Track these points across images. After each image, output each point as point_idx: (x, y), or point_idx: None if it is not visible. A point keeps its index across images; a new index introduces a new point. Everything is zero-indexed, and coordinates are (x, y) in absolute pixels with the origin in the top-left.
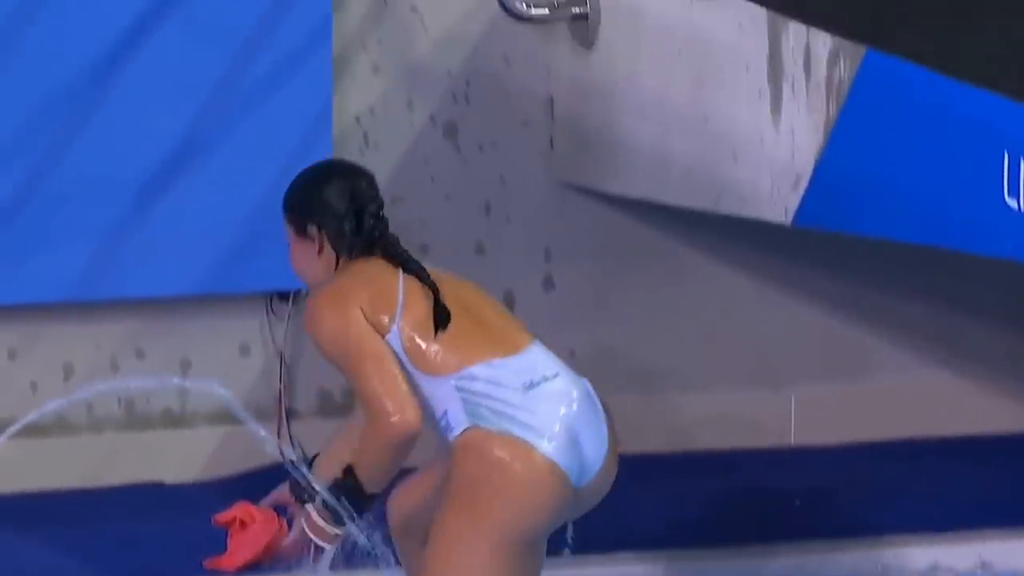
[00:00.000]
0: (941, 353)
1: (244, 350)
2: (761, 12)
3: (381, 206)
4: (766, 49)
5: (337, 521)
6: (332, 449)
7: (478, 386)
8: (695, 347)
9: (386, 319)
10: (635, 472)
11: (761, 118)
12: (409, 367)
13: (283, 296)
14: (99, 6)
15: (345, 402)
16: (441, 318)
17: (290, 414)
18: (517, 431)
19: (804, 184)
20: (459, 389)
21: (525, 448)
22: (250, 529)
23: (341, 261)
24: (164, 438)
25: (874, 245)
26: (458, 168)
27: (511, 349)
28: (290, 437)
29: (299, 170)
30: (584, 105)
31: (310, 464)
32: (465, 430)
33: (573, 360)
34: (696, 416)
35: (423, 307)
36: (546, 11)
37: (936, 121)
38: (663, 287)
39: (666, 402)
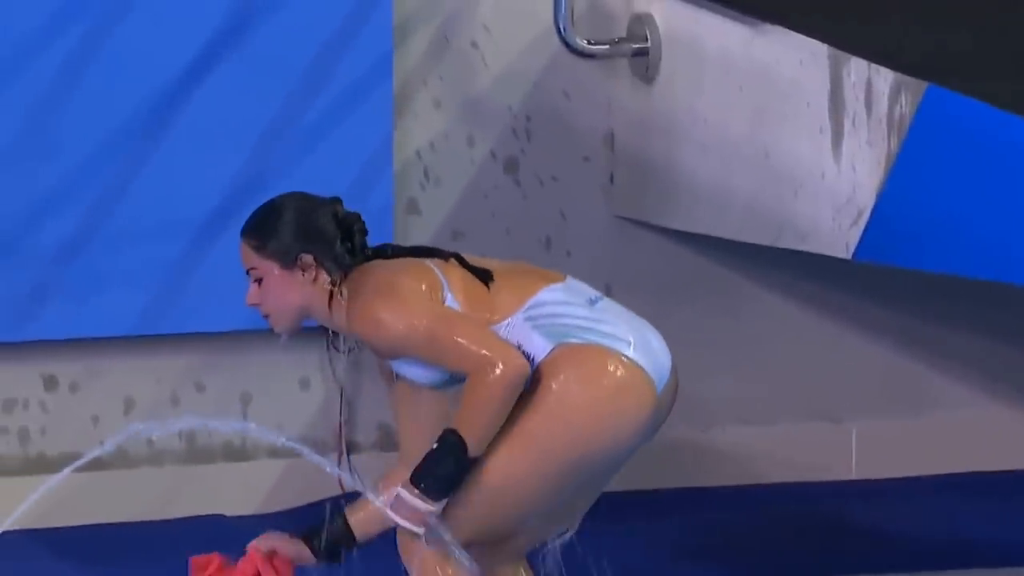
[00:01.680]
0: (1002, 387)
1: (304, 384)
2: (822, 48)
3: (361, 219)
4: (827, 84)
5: (435, 495)
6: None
7: (548, 309)
8: (755, 381)
9: (438, 293)
10: (694, 507)
11: (822, 153)
12: None
13: None
14: (159, 44)
15: (386, 438)
16: (483, 274)
17: (350, 448)
18: (602, 340)
19: (865, 219)
20: (530, 319)
21: (615, 356)
22: None
23: (339, 281)
24: (225, 471)
25: (935, 279)
26: (518, 203)
27: (556, 279)
28: (351, 471)
29: (360, 206)
30: (644, 140)
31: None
32: (552, 350)
33: None
34: (756, 450)
35: (461, 272)
36: (607, 47)
37: (997, 156)
38: (723, 321)
39: (726, 436)
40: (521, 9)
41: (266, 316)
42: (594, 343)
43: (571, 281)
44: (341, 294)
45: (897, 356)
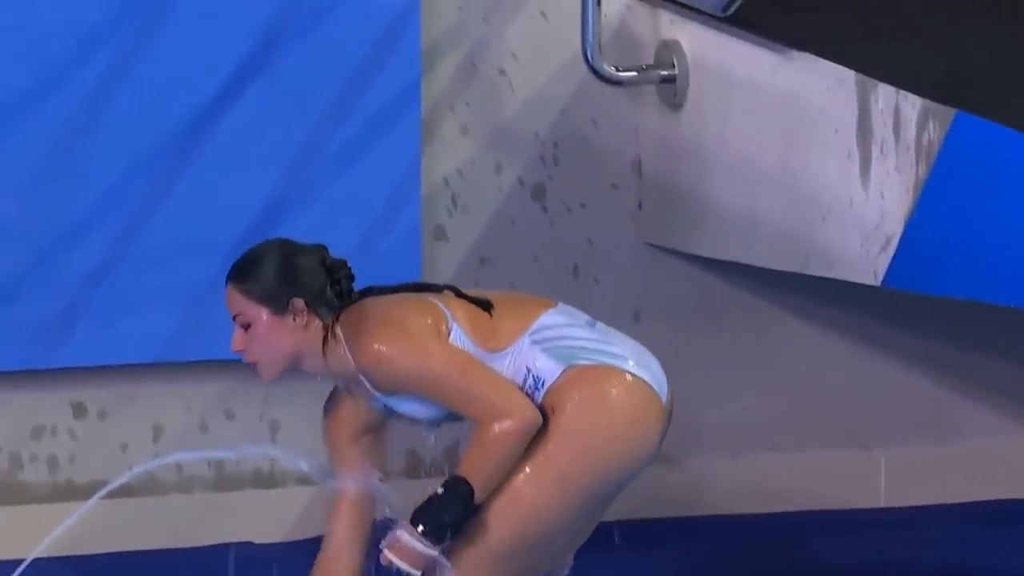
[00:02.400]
0: None
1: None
2: (849, 74)
3: (348, 266)
4: (855, 111)
5: (436, 539)
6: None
7: (553, 332)
8: (783, 408)
9: (442, 325)
10: (723, 534)
11: (850, 180)
12: (481, 353)
13: None
14: (188, 68)
15: (433, 463)
16: (482, 303)
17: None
18: (610, 360)
19: (893, 246)
20: (536, 342)
21: (624, 375)
22: None
23: (331, 324)
24: (253, 498)
25: (964, 306)
26: (546, 230)
27: (551, 304)
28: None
29: (388, 232)
30: (672, 167)
31: None
32: (563, 372)
33: None
34: (785, 477)
35: (460, 303)
36: (634, 74)
37: None
38: (751, 348)
39: (754, 463)
40: (549, 36)
41: (252, 363)
42: (603, 363)
43: (563, 306)
44: (335, 336)
45: (925, 383)
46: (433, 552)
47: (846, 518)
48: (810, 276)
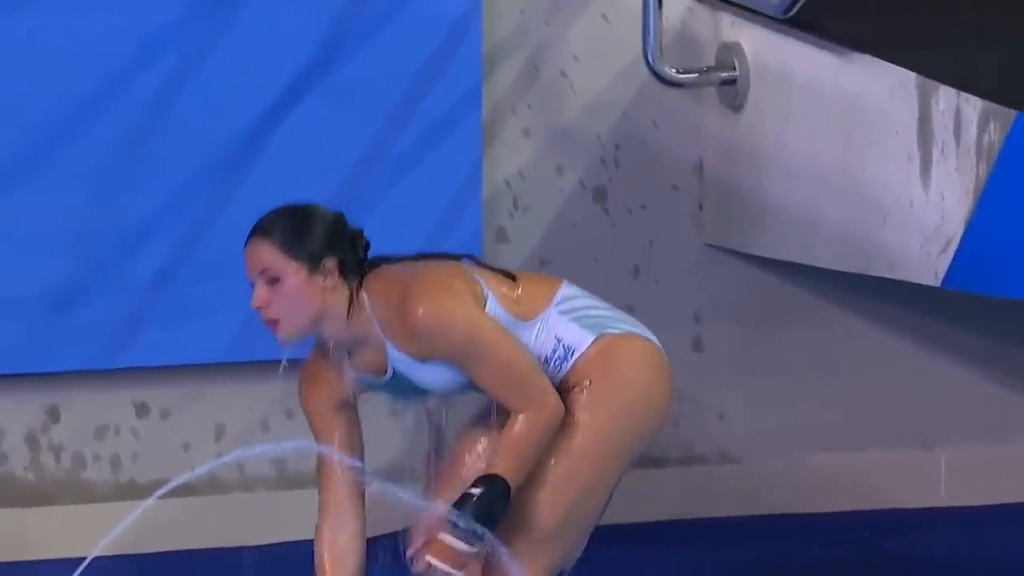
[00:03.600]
0: None
1: (393, 412)
2: (910, 76)
3: (364, 235)
4: (916, 113)
5: (476, 538)
6: None
7: (577, 303)
8: (844, 408)
9: (479, 291)
10: (784, 533)
11: (910, 181)
12: (513, 322)
13: None
14: (251, 74)
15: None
16: (506, 272)
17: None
18: (633, 329)
19: (954, 247)
20: (564, 312)
21: (651, 343)
22: None
23: (356, 288)
24: (315, 497)
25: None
26: (607, 231)
27: (561, 280)
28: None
29: (450, 234)
30: (733, 168)
31: None
32: (595, 340)
33: (722, 422)
34: (846, 476)
35: (488, 271)
36: (695, 76)
37: None
38: (812, 348)
39: (815, 462)
40: (610, 39)
41: (273, 321)
42: (631, 332)
43: (568, 282)
44: (359, 300)
45: (986, 383)
46: (473, 550)
47: (906, 517)
48: (870, 277)
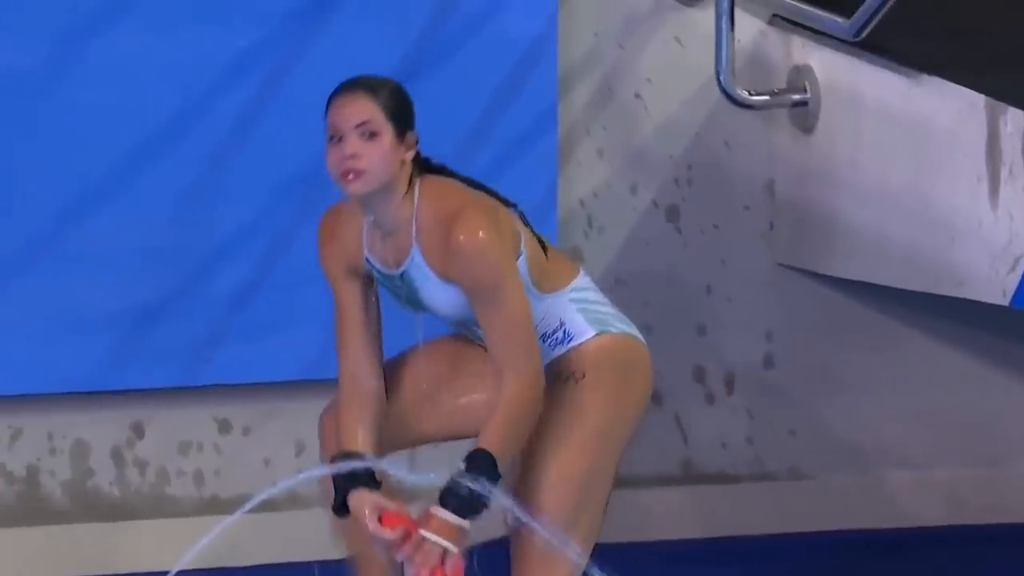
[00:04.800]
0: None
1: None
2: (979, 98)
3: None
4: (984, 134)
5: (467, 514)
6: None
7: (588, 295)
8: (914, 425)
9: (518, 244)
10: (853, 549)
11: (979, 202)
12: (530, 288)
13: None
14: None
15: None
16: (541, 240)
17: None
18: (630, 331)
19: (1022, 266)
20: (574, 300)
21: (643, 347)
22: None
23: (413, 176)
24: None
25: None
26: (680, 250)
27: (579, 268)
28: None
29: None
30: (804, 189)
31: None
32: (595, 335)
33: (793, 438)
34: (915, 492)
35: (528, 232)
36: (767, 98)
37: None
38: (882, 366)
39: (885, 480)
40: (683, 61)
41: (358, 172)
42: (626, 332)
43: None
44: (412, 190)
45: None
46: (467, 524)
47: (975, 534)
48: (939, 296)
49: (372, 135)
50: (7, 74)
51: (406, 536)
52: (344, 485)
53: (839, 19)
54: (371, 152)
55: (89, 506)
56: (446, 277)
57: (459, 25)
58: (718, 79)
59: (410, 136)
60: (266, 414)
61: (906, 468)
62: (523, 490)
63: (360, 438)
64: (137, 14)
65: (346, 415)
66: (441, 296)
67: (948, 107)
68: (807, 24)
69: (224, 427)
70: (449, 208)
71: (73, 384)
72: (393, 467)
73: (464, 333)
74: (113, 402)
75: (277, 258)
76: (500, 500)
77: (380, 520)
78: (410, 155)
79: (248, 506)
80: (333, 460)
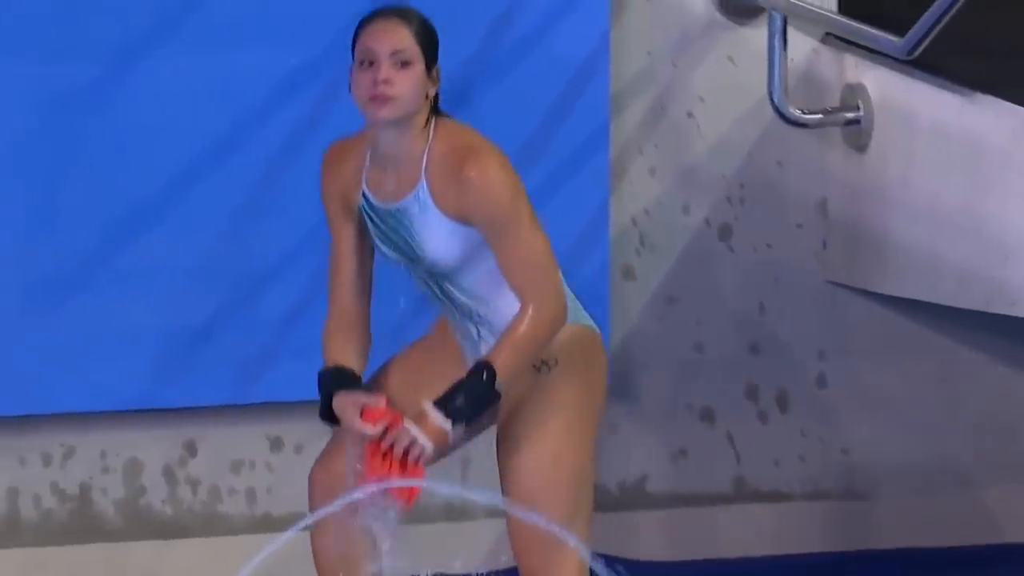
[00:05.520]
0: None
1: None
2: None
3: None
4: None
5: (458, 419)
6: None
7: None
8: (967, 443)
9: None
10: (911, 568)
11: None
12: None
13: None
14: None
15: (621, 496)
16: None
17: None
18: (592, 324)
19: None
20: None
21: (600, 339)
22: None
23: (431, 113)
24: (445, 531)
25: None
26: (732, 269)
27: None
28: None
29: (577, 271)
30: (857, 207)
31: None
32: (567, 325)
33: (846, 457)
34: (970, 511)
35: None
36: (820, 116)
37: None
38: (936, 384)
39: (939, 498)
40: (736, 80)
41: (389, 98)
42: (590, 326)
43: None
44: (428, 125)
45: None
46: (449, 429)
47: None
48: (992, 314)
49: (405, 64)
50: (59, 93)
51: (387, 430)
52: (329, 389)
53: (892, 37)
54: (403, 80)
55: (141, 524)
56: (452, 214)
57: (511, 44)
58: (771, 98)
59: (435, 71)
60: (318, 432)
61: (961, 487)
62: (516, 477)
63: (351, 356)
64: (187, 33)
65: (337, 336)
66: (437, 234)
67: (1002, 125)
68: (860, 42)
69: (276, 445)
70: (463, 142)
71: (126, 402)
72: (444, 485)
73: (437, 300)
74: (165, 420)
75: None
76: (492, 499)
77: (362, 416)
78: (433, 91)
79: (301, 524)
80: (324, 372)
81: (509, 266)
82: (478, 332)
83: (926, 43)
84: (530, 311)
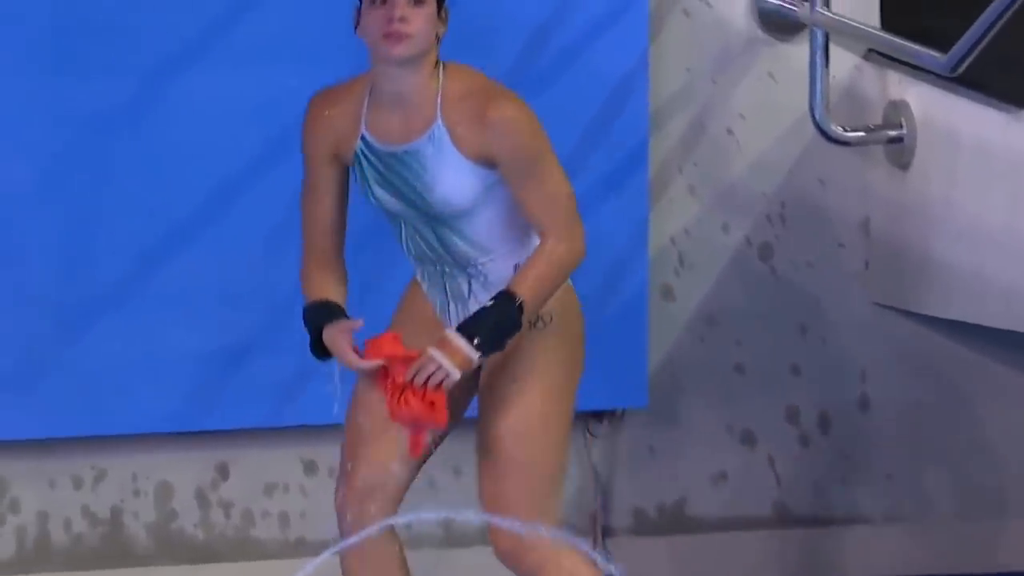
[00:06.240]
0: None
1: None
2: None
3: None
4: None
5: (482, 348)
6: None
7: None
8: (1011, 468)
9: None
10: None
11: None
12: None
13: (599, 416)
14: None
15: (660, 520)
16: None
17: (605, 532)
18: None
19: None
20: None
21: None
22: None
23: (437, 54)
24: (482, 555)
25: None
26: (773, 289)
27: None
28: (606, 555)
29: (615, 291)
30: (900, 226)
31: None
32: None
33: (889, 482)
34: (1013, 538)
35: None
36: (862, 134)
37: None
38: (981, 406)
39: (984, 524)
40: (776, 98)
41: (404, 35)
42: (570, 285)
43: None
44: (436, 67)
45: None
46: (476, 358)
47: None
48: None
49: (419, 1)
50: (91, 114)
51: (399, 362)
52: (317, 323)
53: (936, 54)
54: (417, 17)
55: (173, 548)
56: (471, 154)
57: (550, 61)
58: (812, 115)
59: (444, 11)
60: None
61: (1006, 513)
62: (500, 434)
63: (333, 291)
64: (219, 54)
65: (317, 274)
66: (452, 175)
67: None
68: (903, 59)
69: (310, 468)
70: (482, 87)
71: (157, 425)
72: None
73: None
74: (197, 443)
75: (361, 298)
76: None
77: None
78: (442, 31)
79: (335, 549)
80: (309, 307)
81: (534, 203)
82: (470, 287)
83: (970, 59)
84: (554, 245)
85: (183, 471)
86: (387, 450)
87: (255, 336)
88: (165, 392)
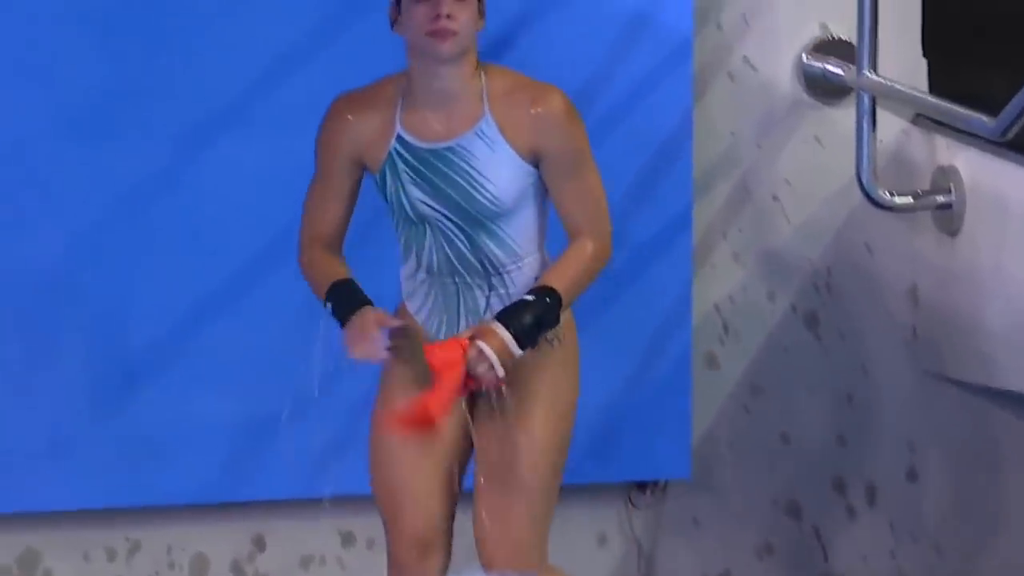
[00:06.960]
0: None
1: (601, 540)
2: None
3: None
4: None
5: (522, 342)
6: None
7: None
8: None
9: None
10: None
11: None
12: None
13: (641, 486)
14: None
15: None
16: None
17: None
18: None
19: None
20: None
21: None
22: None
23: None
24: None
25: None
26: (819, 358)
27: None
28: None
29: (657, 359)
30: (948, 294)
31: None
32: None
33: (938, 555)
34: None
35: None
36: (910, 199)
37: None
38: None
39: None
40: (822, 162)
41: (452, 32)
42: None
43: None
44: (476, 65)
45: None
46: (518, 353)
47: None
48: None
49: (464, 10)
50: (125, 183)
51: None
52: (350, 301)
53: (985, 118)
54: (462, 13)
55: None
56: (521, 150)
57: (593, 123)
58: (859, 180)
59: (482, 7)
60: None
61: None
62: (519, 448)
63: (347, 274)
64: (256, 120)
65: (325, 260)
66: (503, 171)
67: None
68: (952, 123)
69: (348, 540)
70: (528, 83)
71: (192, 496)
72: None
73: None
74: (233, 514)
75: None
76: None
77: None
78: (481, 26)
79: None
80: (336, 285)
81: (573, 200)
82: (488, 302)
83: (1020, 124)
84: (588, 245)
85: (219, 543)
86: (427, 492)
87: (291, 406)
88: (200, 463)
